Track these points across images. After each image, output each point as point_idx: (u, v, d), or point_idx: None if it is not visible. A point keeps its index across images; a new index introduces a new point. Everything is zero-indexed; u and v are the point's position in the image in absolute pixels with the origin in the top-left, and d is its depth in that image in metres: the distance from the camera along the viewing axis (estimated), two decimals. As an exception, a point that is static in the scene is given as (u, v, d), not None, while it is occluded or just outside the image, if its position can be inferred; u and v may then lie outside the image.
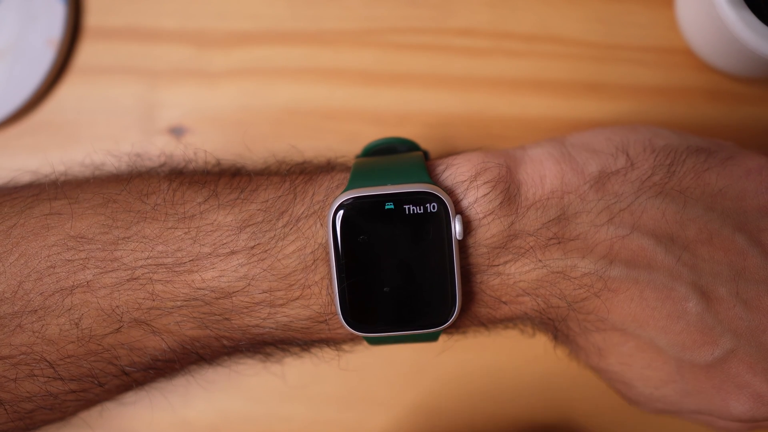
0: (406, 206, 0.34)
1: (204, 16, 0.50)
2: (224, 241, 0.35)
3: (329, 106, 0.50)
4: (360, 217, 0.34)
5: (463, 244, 0.35)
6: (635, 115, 0.49)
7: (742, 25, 0.41)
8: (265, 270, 0.35)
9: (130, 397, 0.40)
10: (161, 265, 0.35)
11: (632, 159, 0.36)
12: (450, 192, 0.35)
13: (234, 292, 0.35)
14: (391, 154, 0.39)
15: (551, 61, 0.50)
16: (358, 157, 0.38)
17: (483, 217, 0.34)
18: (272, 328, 0.36)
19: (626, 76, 0.49)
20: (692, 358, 0.35)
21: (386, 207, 0.34)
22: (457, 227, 0.34)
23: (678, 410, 0.38)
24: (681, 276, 0.35)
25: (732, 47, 0.44)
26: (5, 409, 0.36)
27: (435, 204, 0.33)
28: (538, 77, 0.49)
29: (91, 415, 0.43)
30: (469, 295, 0.36)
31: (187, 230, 0.35)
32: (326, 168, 0.38)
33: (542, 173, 0.36)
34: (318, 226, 0.35)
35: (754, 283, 0.35)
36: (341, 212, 0.33)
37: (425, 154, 0.39)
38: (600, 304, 0.36)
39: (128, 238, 0.35)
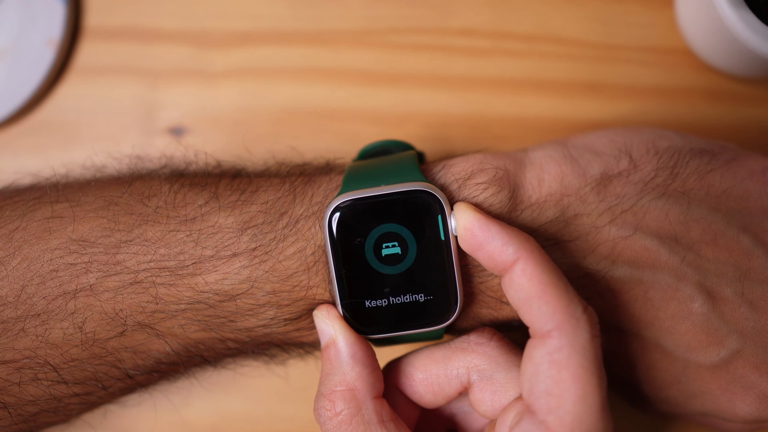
0: (402, 205, 0.34)
1: (204, 16, 0.50)
2: (226, 244, 0.35)
3: (329, 106, 0.49)
4: (356, 219, 0.34)
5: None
6: (635, 116, 0.49)
7: (742, 25, 0.41)
8: (267, 272, 0.35)
9: (133, 399, 0.40)
10: (164, 268, 0.35)
11: (635, 161, 0.36)
12: (444, 189, 0.35)
13: (238, 295, 0.35)
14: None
15: (551, 61, 0.50)
16: (354, 160, 0.38)
17: None
18: (277, 328, 0.36)
19: (626, 76, 0.49)
20: (698, 359, 0.36)
21: (381, 207, 0.34)
22: (453, 223, 0.34)
23: (683, 412, 0.38)
24: (686, 276, 0.35)
25: (732, 47, 0.44)
26: (9, 413, 0.36)
27: (430, 202, 0.34)
28: (538, 77, 0.49)
29: (95, 417, 0.43)
30: (470, 296, 0.36)
31: (188, 233, 0.35)
32: (325, 169, 0.38)
33: (541, 176, 0.36)
34: (317, 228, 0.35)
35: (760, 283, 0.35)
36: (337, 215, 0.34)
37: (420, 154, 0.39)
38: (603, 305, 0.36)
39: (130, 241, 0.35)
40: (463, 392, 0.36)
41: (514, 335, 0.38)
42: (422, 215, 0.34)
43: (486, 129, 0.49)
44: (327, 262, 0.34)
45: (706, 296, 0.35)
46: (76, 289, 0.34)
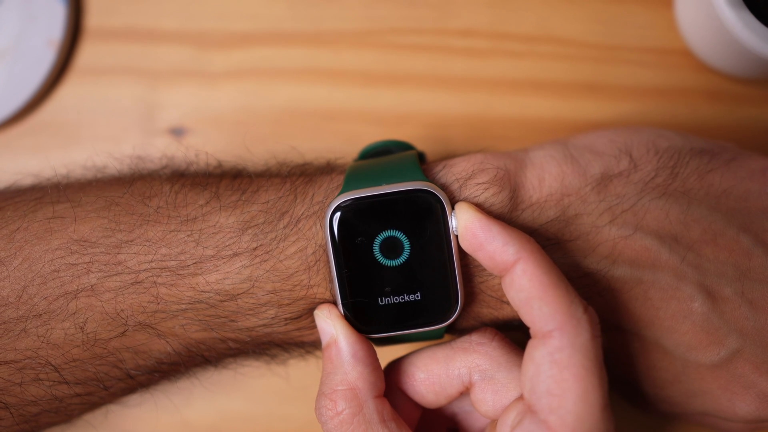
0: (403, 204, 0.34)
1: (204, 17, 0.50)
2: (227, 243, 0.35)
3: (329, 106, 0.50)
4: (357, 218, 0.34)
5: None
6: (635, 116, 0.49)
7: (741, 25, 0.41)
8: (268, 271, 0.35)
9: (134, 399, 0.40)
10: (165, 268, 0.35)
11: (635, 160, 0.36)
12: (445, 189, 0.35)
13: (239, 294, 0.35)
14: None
15: (551, 62, 0.50)
16: (355, 160, 0.38)
17: None
18: (278, 327, 0.36)
19: (626, 77, 0.49)
20: (698, 359, 0.36)
21: (382, 207, 0.34)
22: (454, 222, 0.34)
23: (683, 411, 0.39)
24: (686, 276, 0.35)
25: (731, 48, 0.44)
26: (11, 413, 0.36)
27: (431, 201, 0.34)
28: (538, 78, 0.50)
29: (96, 417, 0.43)
30: (470, 296, 0.36)
31: (189, 233, 0.35)
32: (326, 169, 0.38)
33: (542, 176, 0.36)
34: (318, 227, 0.35)
35: (760, 283, 0.35)
36: (338, 214, 0.34)
37: (421, 154, 0.39)
38: (603, 304, 0.36)
39: (131, 241, 0.35)
40: (465, 392, 0.36)
41: (515, 335, 0.38)
42: (423, 214, 0.34)
43: (486, 129, 0.49)
44: (328, 262, 0.34)
45: (706, 296, 0.35)
46: (77, 290, 0.34)
